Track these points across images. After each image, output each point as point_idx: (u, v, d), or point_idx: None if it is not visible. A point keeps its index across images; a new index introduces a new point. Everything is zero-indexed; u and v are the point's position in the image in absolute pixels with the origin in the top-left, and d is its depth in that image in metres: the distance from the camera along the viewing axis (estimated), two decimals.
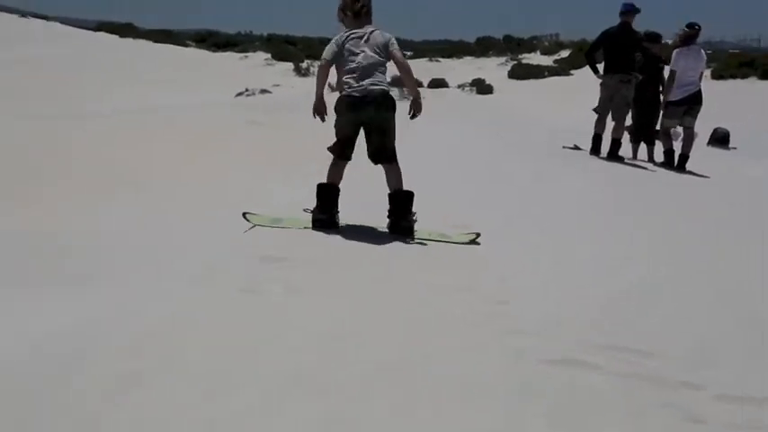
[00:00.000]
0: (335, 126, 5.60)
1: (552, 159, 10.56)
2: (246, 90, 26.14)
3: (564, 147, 11.81)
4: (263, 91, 25.78)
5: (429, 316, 3.85)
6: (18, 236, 6.08)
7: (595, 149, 11.12)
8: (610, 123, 11.03)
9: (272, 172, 8.01)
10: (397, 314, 3.85)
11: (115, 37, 47.09)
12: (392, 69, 5.77)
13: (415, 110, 5.69)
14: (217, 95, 22.41)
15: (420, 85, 30.05)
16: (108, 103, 19.02)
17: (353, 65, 5.47)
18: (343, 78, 5.51)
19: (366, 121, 5.49)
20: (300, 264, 4.68)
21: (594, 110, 11.14)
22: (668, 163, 10.99)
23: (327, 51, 5.59)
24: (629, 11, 10.86)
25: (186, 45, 50.47)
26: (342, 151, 5.59)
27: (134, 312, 3.67)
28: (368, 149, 5.60)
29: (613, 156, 10.88)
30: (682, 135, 11.07)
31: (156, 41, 47.31)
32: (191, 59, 39.69)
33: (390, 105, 5.54)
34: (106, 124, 10.92)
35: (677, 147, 11.00)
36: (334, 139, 5.60)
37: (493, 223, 6.18)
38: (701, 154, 11.95)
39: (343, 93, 5.51)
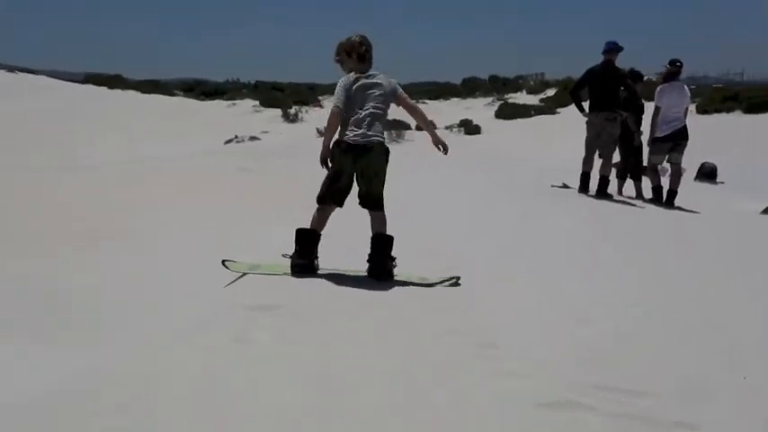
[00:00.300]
0: (330, 170, 5.59)
1: (541, 198, 10.59)
2: (236, 137, 26.29)
3: (552, 185, 11.86)
4: (252, 138, 25.95)
5: (419, 361, 3.81)
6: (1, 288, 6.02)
7: (584, 187, 11.16)
8: (597, 161, 11.10)
9: (261, 218, 7.98)
10: (387, 360, 3.81)
11: (103, 88, 47.38)
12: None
13: (443, 146, 5.93)
14: (206, 144, 22.49)
15: (408, 127, 30.25)
16: (96, 155, 19.06)
17: (360, 113, 5.49)
18: (345, 124, 5.51)
19: (361, 168, 5.51)
20: (290, 312, 4.65)
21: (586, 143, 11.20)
22: (657, 199, 11.03)
23: (339, 98, 5.54)
24: (613, 49, 10.99)
25: (174, 94, 50.79)
26: (333, 196, 5.59)
27: (122, 367, 3.62)
28: (359, 194, 5.60)
29: (602, 193, 10.93)
30: (669, 171, 11.14)
31: (144, 92, 47.62)
32: (179, 109, 39.91)
33: (385, 154, 5.58)
34: (93, 174, 10.91)
35: (665, 182, 11.06)
36: (323, 186, 5.59)
37: (482, 263, 6.18)
38: (689, 189, 12.04)
39: (344, 138, 5.49)
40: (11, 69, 51.34)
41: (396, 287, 5.36)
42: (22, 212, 8.26)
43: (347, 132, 5.49)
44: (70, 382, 3.40)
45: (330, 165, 5.59)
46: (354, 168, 5.53)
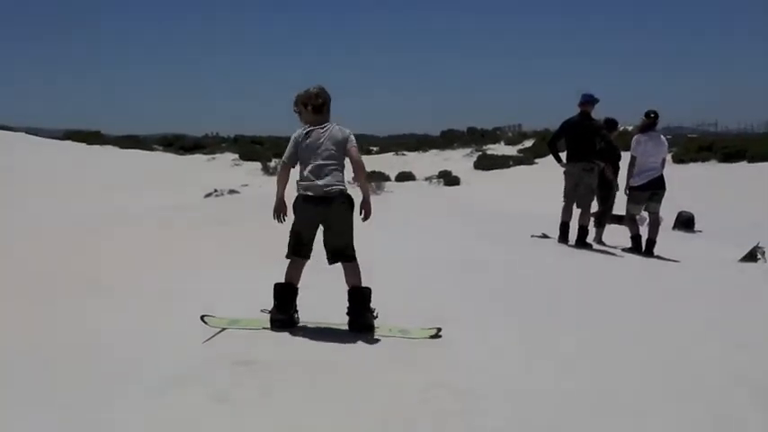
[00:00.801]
0: (293, 225, 5.60)
1: (521, 248, 10.60)
2: (215, 191, 26.22)
3: (532, 235, 11.88)
4: (232, 191, 25.90)
5: (401, 416, 3.76)
6: None
7: (563, 237, 11.19)
8: (576, 211, 11.15)
9: (240, 271, 7.92)
10: (369, 416, 3.76)
11: (83, 144, 47.30)
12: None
13: (366, 211, 5.64)
14: (185, 197, 22.42)
15: (387, 178, 30.37)
16: (74, 209, 18.91)
17: (312, 163, 5.48)
18: (303, 176, 5.52)
19: (324, 220, 5.49)
20: (269, 368, 4.59)
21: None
22: (636, 248, 11.07)
23: (286, 153, 5.62)
24: (588, 101, 11.13)
25: (153, 149, 50.78)
26: (299, 250, 5.56)
27: (104, 419, 3.54)
28: (326, 249, 5.57)
29: (581, 243, 10.97)
30: (647, 220, 11.20)
31: (123, 147, 47.57)
32: (158, 163, 39.85)
33: (348, 204, 5.54)
34: (70, 228, 10.82)
35: (644, 232, 11.11)
36: (289, 240, 5.59)
37: (463, 314, 6.16)
38: (668, 238, 12.10)
39: (301, 192, 5.51)
40: None
41: (377, 340, 5.31)
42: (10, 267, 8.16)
43: (303, 184, 5.50)
44: None
45: (284, 218, 5.62)
46: (316, 221, 5.51)
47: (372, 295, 5.58)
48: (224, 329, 5.51)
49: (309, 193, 5.45)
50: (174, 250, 9.25)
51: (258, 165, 39.11)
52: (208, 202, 20.88)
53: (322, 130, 5.55)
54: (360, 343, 5.24)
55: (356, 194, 5.62)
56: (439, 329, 5.46)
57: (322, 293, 6.07)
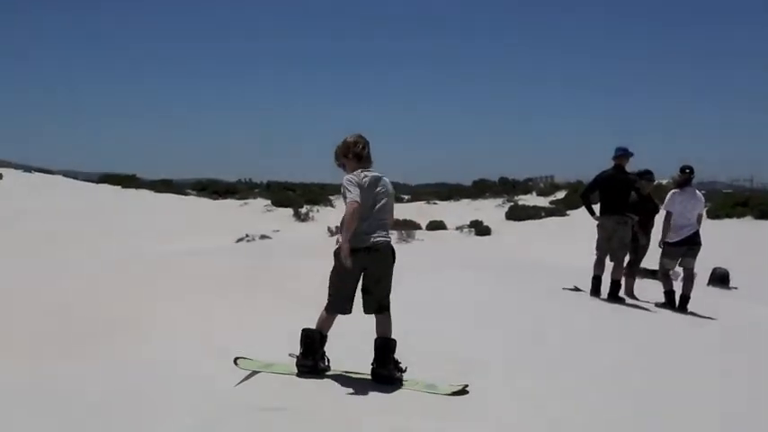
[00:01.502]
0: (334, 275, 5.54)
1: (552, 301, 10.50)
2: (246, 236, 26.41)
3: (564, 288, 11.77)
4: (263, 236, 26.07)
5: None
6: (11, 389, 5.94)
7: (595, 291, 11.07)
8: (609, 264, 11.04)
9: (271, 316, 7.92)
10: None
11: (118, 188, 48.02)
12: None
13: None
14: (217, 242, 22.58)
15: (418, 227, 30.41)
16: (108, 252, 19.12)
17: (369, 215, 5.43)
18: (358, 227, 5.37)
19: (366, 268, 5.45)
20: (300, 415, 4.56)
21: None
22: (669, 303, 10.92)
23: (356, 194, 5.33)
24: (623, 155, 11.08)
25: (187, 194, 51.35)
26: (342, 306, 5.52)
27: None
28: (364, 297, 5.53)
29: (614, 297, 10.83)
30: (682, 275, 11.06)
31: (157, 191, 48.17)
32: (191, 208, 40.25)
33: (391, 258, 5.54)
34: (103, 272, 10.92)
35: (677, 287, 10.96)
36: (331, 291, 5.56)
37: (493, 368, 6.08)
38: (702, 294, 11.92)
39: (352, 243, 5.34)
40: (28, 170, 52.45)
41: (408, 393, 5.25)
42: (36, 311, 8.24)
43: (356, 235, 5.37)
44: None
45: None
46: (360, 272, 5.46)
47: (398, 342, 5.52)
48: (254, 373, 5.50)
49: (362, 245, 5.38)
50: (204, 293, 9.29)
51: (290, 211, 39.40)
52: (239, 247, 21.00)
53: (376, 179, 5.51)
54: (388, 393, 5.19)
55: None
56: (466, 386, 5.33)
57: (352, 341, 6.01)
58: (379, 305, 5.52)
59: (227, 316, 8.18)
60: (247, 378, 5.41)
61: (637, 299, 11.50)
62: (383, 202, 5.51)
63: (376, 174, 5.54)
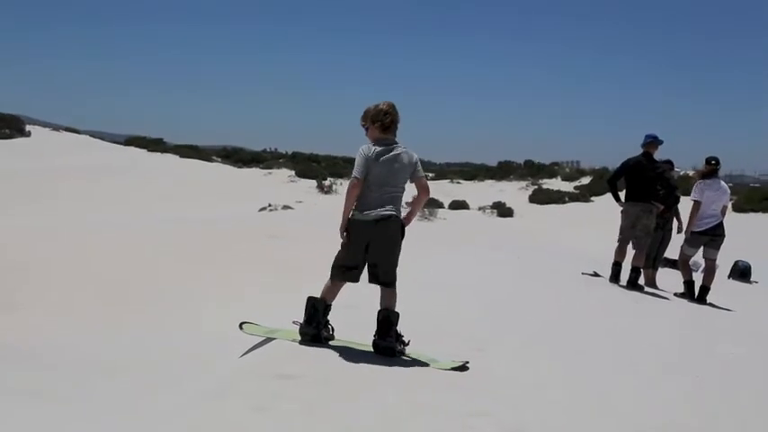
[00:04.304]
0: (342, 246, 5.57)
1: (571, 284, 10.47)
2: (269, 205, 26.46)
3: (583, 273, 11.72)
4: (286, 207, 26.08)
5: None
6: (24, 350, 6.04)
7: (615, 277, 11.02)
8: (630, 252, 10.98)
9: (286, 285, 7.96)
10: None
11: (143, 151, 48.24)
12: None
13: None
14: (240, 210, 22.66)
15: (441, 206, 30.33)
16: (130, 214, 19.25)
17: (378, 188, 5.44)
18: (365, 199, 5.45)
19: (372, 240, 5.46)
20: (311, 383, 4.59)
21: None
22: (688, 293, 10.85)
23: (358, 169, 5.44)
24: (652, 142, 10.96)
25: (212, 160, 51.44)
26: (346, 274, 5.55)
27: (145, 428, 3.59)
28: (370, 269, 5.55)
29: (633, 284, 10.76)
30: (703, 266, 10.98)
31: (182, 156, 48.29)
32: (216, 174, 40.36)
33: (398, 232, 5.52)
34: (125, 235, 11.01)
35: (698, 278, 10.89)
36: (336, 261, 5.58)
37: (508, 347, 6.08)
38: (722, 286, 11.82)
39: (356, 215, 5.45)
40: (56, 128, 52.98)
41: (422, 365, 5.27)
42: (57, 273, 8.33)
43: (363, 208, 5.44)
44: None
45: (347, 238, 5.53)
46: (365, 244, 5.47)
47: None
48: (266, 340, 5.54)
49: (364, 218, 5.42)
50: (223, 260, 9.35)
51: (314, 183, 39.38)
52: (261, 216, 21.08)
53: (393, 154, 5.49)
54: (401, 366, 5.22)
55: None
56: (466, 362, 5.33)
57: (364, 312, 6.02)
58: (383, 278, 5.52)
59: (242, 284, 8.23)
60: (259, 346, 5.44)
61: (657, 288, 11.43)
62: (395, 174, 5.48)
63: (392, 146, 5.51)
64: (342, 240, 5.54)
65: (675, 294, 11.06)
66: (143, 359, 5.30)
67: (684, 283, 11.04)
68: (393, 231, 5.49)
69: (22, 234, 10.59)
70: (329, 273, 5.64)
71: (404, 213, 5.65)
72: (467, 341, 6.04)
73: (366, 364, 5.13)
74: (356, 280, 5.59)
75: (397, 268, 5.58)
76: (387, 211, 5.43)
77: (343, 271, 5.56)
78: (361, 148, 5.52)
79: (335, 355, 5.30)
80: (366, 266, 5.56)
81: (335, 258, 5.61)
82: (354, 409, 4.16)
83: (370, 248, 5.49)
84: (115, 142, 55.77)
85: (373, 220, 5.41)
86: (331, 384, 4.61)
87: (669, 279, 11.88)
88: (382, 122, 5.52)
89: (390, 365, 5.18)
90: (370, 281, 5.59)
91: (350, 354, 5.35)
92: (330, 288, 5.63)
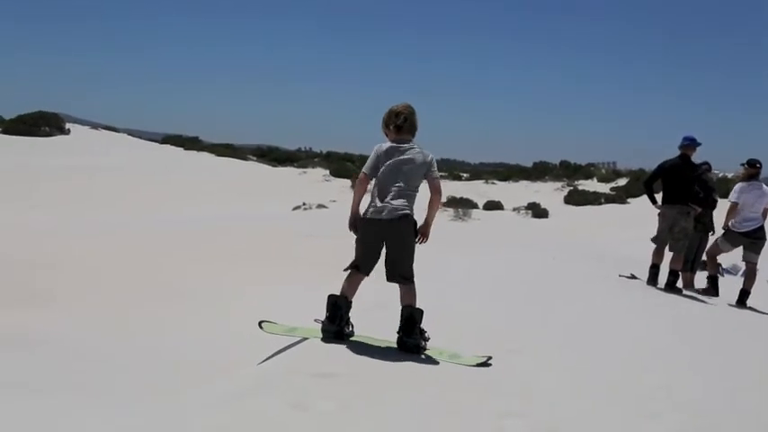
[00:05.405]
0: (356, 242, 5.60)
1: (607, 287, 10.35)
2: (304, 204, 26.57)
3: (620, 275, 11.59)
4: (320, 206, 26.17)
5: None
6: (65, 344, 6.09)
7: (653, 279, 10.88)
8: (668, 254, 10.84)
9: (322, 283, 7.96)
10: None
11: (180, 149, 48.71)
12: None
13: (423, 234, 5.58)
14: (275, 209, 22.78)
15: (475, 206, 30.22)
16: (168, 213, 19.43)
17: (387, 184, 5.47)
18: (375, 196, 5.51)
19: (388, 242, 5.48)
20: (348, 381, 4.58)
21: (653, 240, 10.99)
22: (712, 288, 10.72)
23: (367, 165, 5.57)
24: (690, 144, 10.82)
25: (247, 159, 51.80)
26: (359, 266, 5.57)
27: (182, 423, 3.59)
28: (386, 267, 5.55)
29: (671, 287, 10.63)
30: (743, 270, 10.81)
31: (218, 155, 48.70)
32: (251, 173, 40.63)
33: (411, 227, 5.50)
34: (161, 233, 11.10)
35: (738, 282, 10.72)
36: (353, 258, 5.59)
37: (541, 347, 6.02)
38: (762, 290, 11.61)
39: (366, 212, 5.51)
40: (94, 126, 53.76)
41: (445, 364, 5.22)
42: (94, 272, 8.42)
43: (374, 205, 5.48)
44: None
45: (357, 233, 5.59)
46: (379, 241, 5.50)
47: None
48: (302, 338, 5.54)
49: (377, 216, 5.43)
50: (259, 259, 9.38)
51: (348, 182, 39.47)
52: (296, 215, 21.17)
53: (404, 151, 5.51)
54: (433, 364, 5.19)
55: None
56: (489, 358, 5.33)
57: (392, 311, 6.00)
58: (397, 274, 5.52)
59: (278, 282, 8.24)
60: (296, 344, 5.44)
61: (696, 290, 11.28)
62: (407, 173, 5.47)
63: (405, 144, 5.53)
64: (353, 233, 5.60)
65: (698, 290, 10.91)
66: (183, 352, 5.32)
67: (708, 277, 10.94)
68: (404, 228, 5.47)
69: (59, 230, 10.72)
70: (343, 269, 5.65)
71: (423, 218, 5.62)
72: (500, 340, 5.99)
73: (399, 363, 5.12)
74: (367, 273, 5.59)
75: (413, 264, 5.56)
76: (397, 208, 5.42)
77: (356, 265, 5.58)
78: (376, 146, 5.60)
79: (366, 353, 5.29)
80: (384, 263, 5.56)
81: (356, 254, 5.61)
82: (390, 407, 4.14)
83: (385, 245, 5.51)
84: (152, 140, 56.41)
85: (383, 217, 5.41)
86: (366, 383, 4.60)
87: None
88: (395, 124, 5.57)
89: (423, 363, 5.18)
90: (388, 279, 5.59)
91: (380, 352, 5.35)
92: (347, 283, 5.64)
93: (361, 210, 5.60)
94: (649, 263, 11.04)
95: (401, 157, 5.48)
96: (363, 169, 5.57)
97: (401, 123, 5.55)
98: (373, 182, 5.56)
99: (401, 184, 5.45)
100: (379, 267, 5.58)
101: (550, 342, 6.36)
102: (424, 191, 5.56)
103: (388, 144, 5.55)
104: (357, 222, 5.57)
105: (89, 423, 3.65)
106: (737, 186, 10.84)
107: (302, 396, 4.14)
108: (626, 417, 4.46)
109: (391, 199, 5.42)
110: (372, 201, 5.51)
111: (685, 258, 11.27)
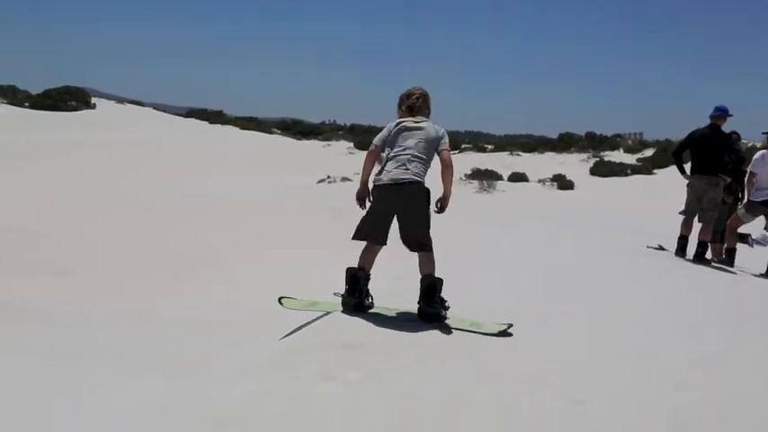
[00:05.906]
0: (367, 211, 5.61)
1: (636, 258, 10.30)
2: (328, 177, 26.59)
3: (648, 246, 11.52)
4: (344, 179, 26.16)
5: (505, 410, 3.69)
6: (103, 315, 6.17)
7: (681, 251, 10.80)
8: (696, 225, 10.73)
9: (351, 258, 7.99)
10: (480, 408, 3.70)
11: (205, 123, 48.85)
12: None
13: (442, 205, 5.59)
14: (299, 182, 22.82)
15: (500, 178, 30.08)
16: (194, 186, 19.53)
17: (398, 154, 5.49)
18: (385, 165, 5.53)
19: (398, 209, 5.47)
20: (377, 351, 4.60)
21: (681, 212, 10.89)
22: (729, 261, 10.62)
23: (378, 137, 5.64)
24: (720, 115, 10.68)
25: (271, 132, 51.85)
26: (370, 234, 5.57)
27: (215, 388, 3.65)
28: (401, 236, 5.54)
29: (700, 258, 10.54)
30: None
31: (242, 128, 48.77)
32: (275, 146, 40.68)
33: (423, 194, 5.48)
34: (189, 208, 11.16)
35: (765, 252, 10.62)
36: (359, 224, 5.60)
37: (569, 318, 6.00)
38: None
39: (379, 180, 5.51)
40: (120, 101, 54.10)
41: (469, 333, 5.22)
42: (122, 245, 8.49)
43: (384, 173, 5.49)
44: (169, 397, 3.43)
45: (368, 204, 5.61)
46: (391, 210, 5.50)
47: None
48: (328, 312, 5.56)
49: (384, 183, 5.45)
50: (285, 233, 9.42)
51: None
52: (321, 188, 21.20)
53: (414, 125, 5.56)
54: (459, 333, 5.20)
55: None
56: (510, 325, 5.33)
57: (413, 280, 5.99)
58: (413, 243, 5.52)
59: (304, 255, 8.28)
60: (322, 317, 5.47)
61: (712, 259, 11.17)
62: (417, 144, 5.49)
63: (418, 120, 5.58)
64: (360, 207, 5.64)
65: (715, 260, 10.82)
66: (215, 322, 5.37)
67: (727, 249, 10.82)
68: (416, 195, 5.45)
69: (91, 203, 10.80)
70: (351, 238, 5.66)
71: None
72: (529, 311, 5.98)
73: (422, 332, 5.14)
74: (381, 242, 5.59)
75: (430, 232, 5.53)
76: (407, 175, 5.42)
77: (370, 235, 5.59)
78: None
79: (389, 324, 5.31)
80: (399, 234, 5.55)
81: (359, 223, 5.62)
82: (419, 377, 4.16)
83: (398, 216, 5.51)
84: (177, 115, 56.65)
85: (392, 183, 5.42)
86: (392, 352, 4.62)
87: (738, 253, 11.58)
88: (407, 105, 5.66)
89: (445, 332, 5.19)
90: (406, 246, 5.58)
91: (402, 322, 5.37)
92: (365, 256, 5.66)
93: (371, 183, 5.62)
94: (677, 234, 10.95)
95: (412, 130, 5.54)
96: (374, 141, 5.64)
97: (413, 104, 5.64)
98: (384, 154, 5.59)
99: (413, 154, 5.47)
100: (397, 239, 5.56)
101: (580, 313, 6.34)
102: (435, 166, 5.57)
103: (400, 119, 5.63)
104: (366, 195, 5.62)
105: (133, 384, 3.71)
106: (757, 155, 10.71)
107: (331, 367, 4.17)
108: (655, 388, 4.44)
109: (402, 168, 5.44)
110: (385, 171, 5.51)
111: (714, 229, 11.15)
